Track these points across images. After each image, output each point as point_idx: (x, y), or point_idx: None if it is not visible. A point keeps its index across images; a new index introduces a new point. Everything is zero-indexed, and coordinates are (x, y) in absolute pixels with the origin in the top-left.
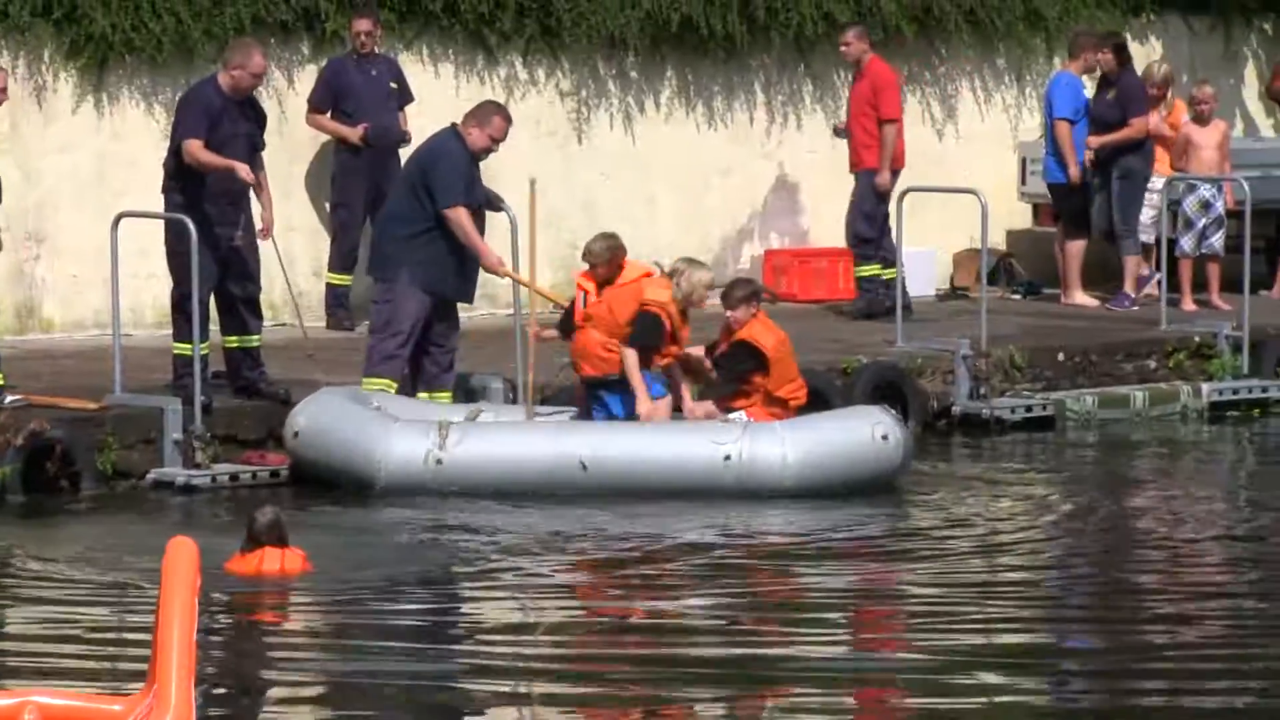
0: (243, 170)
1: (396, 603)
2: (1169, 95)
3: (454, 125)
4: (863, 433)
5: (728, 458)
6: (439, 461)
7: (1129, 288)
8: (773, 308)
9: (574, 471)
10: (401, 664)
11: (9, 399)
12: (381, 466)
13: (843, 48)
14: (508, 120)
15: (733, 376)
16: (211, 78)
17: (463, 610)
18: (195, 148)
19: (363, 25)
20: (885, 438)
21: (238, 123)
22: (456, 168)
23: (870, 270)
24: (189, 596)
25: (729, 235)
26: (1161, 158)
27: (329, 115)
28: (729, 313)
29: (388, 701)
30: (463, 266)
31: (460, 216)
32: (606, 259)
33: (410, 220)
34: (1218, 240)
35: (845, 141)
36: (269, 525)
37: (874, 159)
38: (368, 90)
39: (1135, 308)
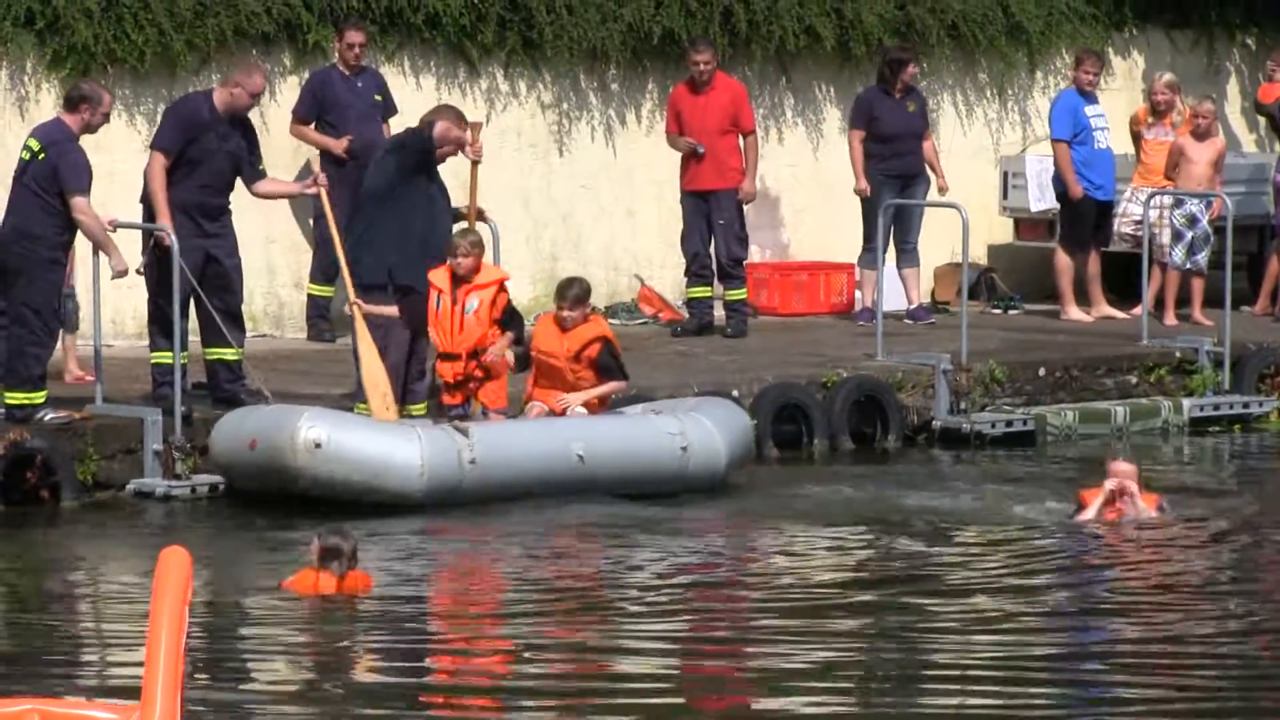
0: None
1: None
2: (1179, 102)
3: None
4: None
5: (684, 449)
6: (473, 462)
7: (915, 299)
8: (754, 320)
9: (574, 463)
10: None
11: (50, 415)
12: (425, 473)
13: (704, 65)
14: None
15: (619, 372)
16: (208, 91)
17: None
18: (155, 164)
19: (356, 37)
20: None
21: (226, 139)
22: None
23: (742, 293)
24: (180, 607)
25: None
26: (1152, 170)
27: (313, 127)
28: (567, 312)
29: None
30: (424, 249)
31: None
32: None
33: (390, 222)
34: (1202, 256)
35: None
36: (351, 550)
37: (737, 177)
38: (353, 102)
39: (934, 319)
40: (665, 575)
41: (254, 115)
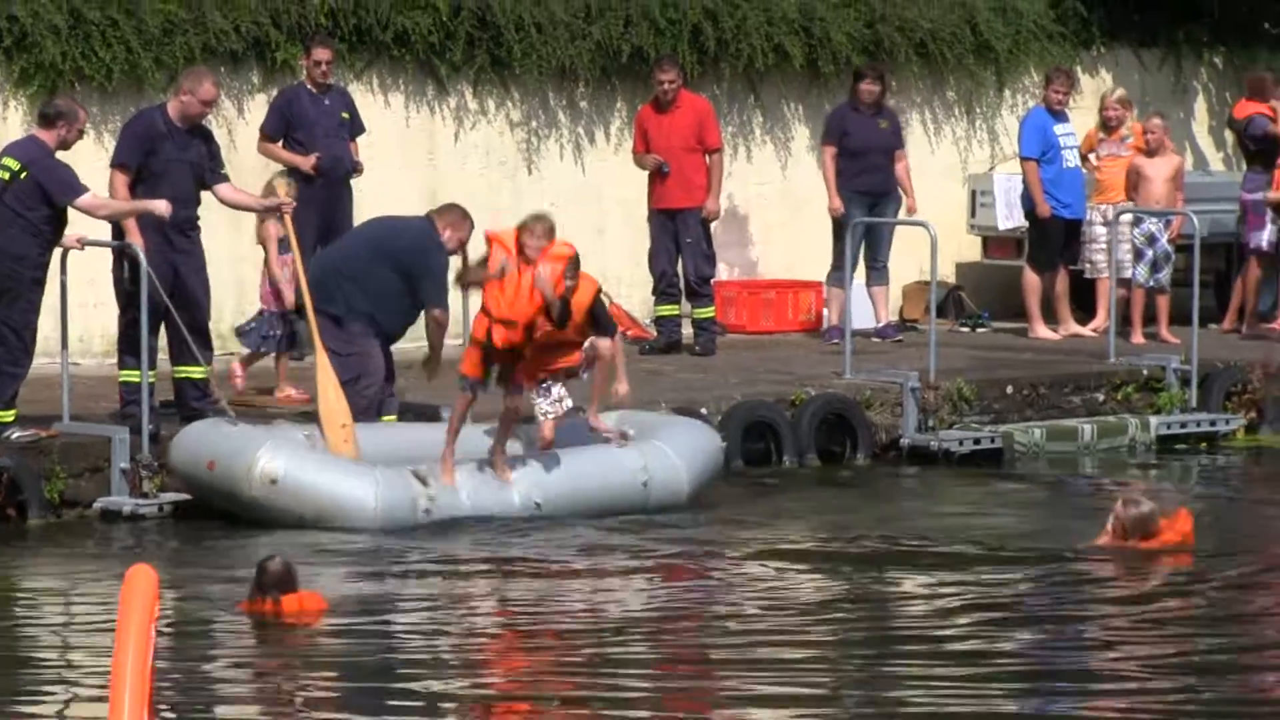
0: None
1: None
2: (1129, 118)
3: (431, 219)
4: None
5: (645, 484)
6: (428, 511)
7: (883, 318)
8: (722, 338)
9: (532, 511)
10: None
11: (16, 433)
12: (379, 518)
13: (668, 84)
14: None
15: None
16: (163, 103)
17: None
18: (118, 182)
19: (323, 55)
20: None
21: (185, 149)
22: (445, 268)
23: (710, 311)
24: (146, 624)
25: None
26: (1115, 188)
27: (280, 144)
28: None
29: None
30: (413, 314)
31: (446, 319)
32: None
33: (375, 286)
34: (1164, 274)
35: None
36: (280, 578)
37: (702, 195)
38: (320, 120)
39: (900, 337)
40: (637, 607)
41: (222, 133)
